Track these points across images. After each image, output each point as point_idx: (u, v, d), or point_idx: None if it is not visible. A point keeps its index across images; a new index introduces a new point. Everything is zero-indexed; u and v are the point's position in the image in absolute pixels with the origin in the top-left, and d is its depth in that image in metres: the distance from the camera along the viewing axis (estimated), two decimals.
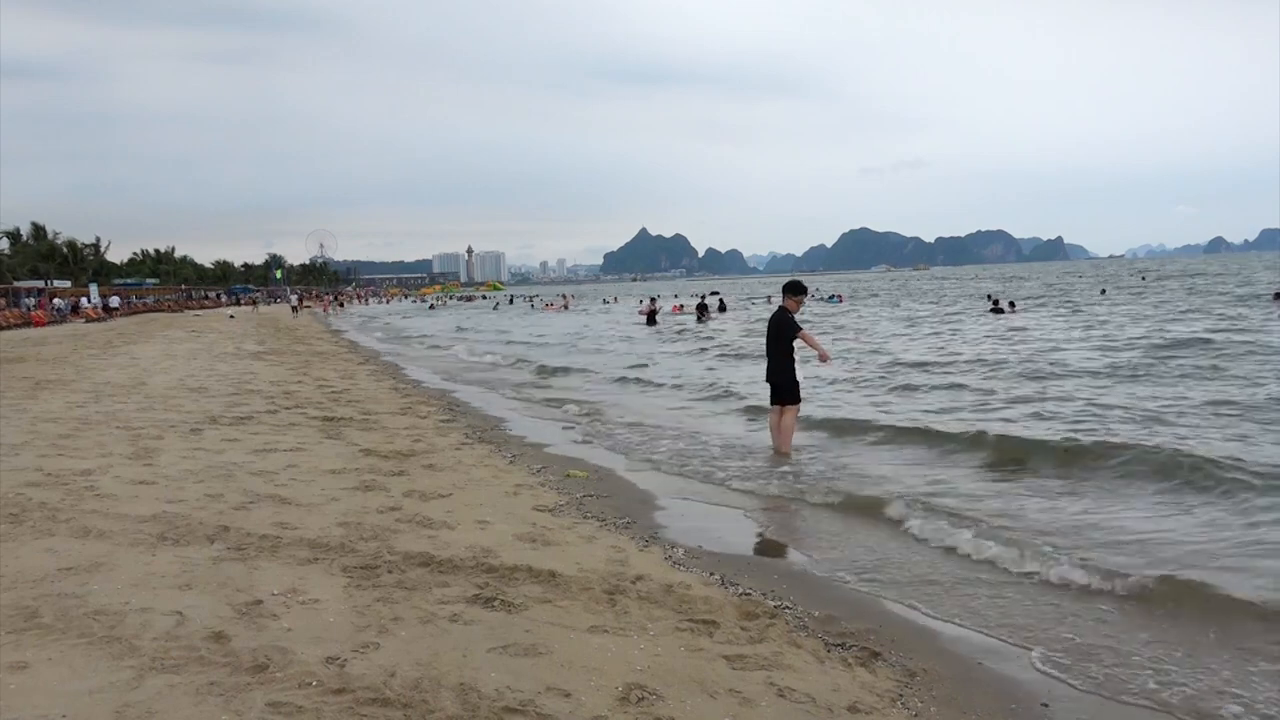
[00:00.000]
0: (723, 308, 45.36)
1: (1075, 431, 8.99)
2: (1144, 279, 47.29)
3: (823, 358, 8.92)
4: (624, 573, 4.95)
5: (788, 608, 4.61)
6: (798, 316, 9.10)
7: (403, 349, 26.69)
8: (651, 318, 35.54)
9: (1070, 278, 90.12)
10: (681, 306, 46.21)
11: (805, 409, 9.36)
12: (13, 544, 5.08)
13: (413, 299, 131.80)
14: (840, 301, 50.80)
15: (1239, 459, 7.34)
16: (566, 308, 63.88)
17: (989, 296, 45.47)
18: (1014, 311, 32.98)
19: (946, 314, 35.24)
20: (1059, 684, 3.81)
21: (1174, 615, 4.51)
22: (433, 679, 3.40)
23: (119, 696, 3.20)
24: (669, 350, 22.68)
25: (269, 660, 3.52)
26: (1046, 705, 3.60)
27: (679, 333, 29.52)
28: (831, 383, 14.29)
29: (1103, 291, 49.39)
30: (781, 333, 8.76)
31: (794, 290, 9.10)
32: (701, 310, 38.04)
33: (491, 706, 3.20)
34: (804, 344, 8.77)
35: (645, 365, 18.47)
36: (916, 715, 3.45)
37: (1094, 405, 10.90)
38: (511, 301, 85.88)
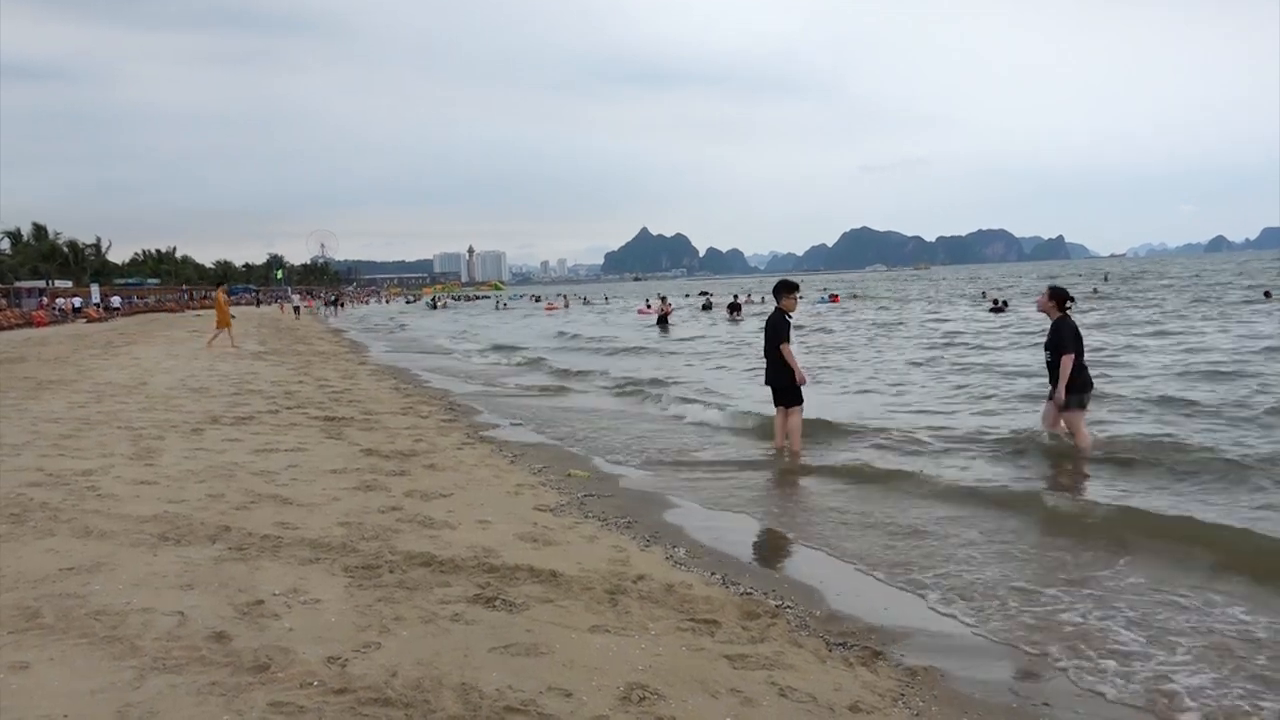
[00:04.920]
0: (708, 307, 45.68)
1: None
2: (1095, 291, 47.39)
3: (799, 380, 8.76)
4: (625, 572, 4.95)
5: (789, 607, 4.61)
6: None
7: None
8: (663, 320, 33.01)
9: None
10: (649, 307, 45.47)
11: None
12: (14, 544, 5.08)
13: (408, 299, 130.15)
14: (835, 301, 50.96)
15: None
16: (567, 307, 63.99)
17: (984, 294, 45.59)
18: (1007, 309, 33.08)
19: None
20: (1061, 684, 3.80)
21: None
22: (434, 679, 3.40)
23: (120, 696, 3.20)
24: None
25: (270, 660, 3.52)
26: (1049, 705, 3.60)
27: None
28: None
29: (1095, 290, 49.51)
30: (777, 335, 8.74)
31: (787, 289, 9.01)
32: (734, 309, 37.78)
33: (493, 706, 3.20)
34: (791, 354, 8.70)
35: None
36: (918, 714, 3.45)
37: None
38: (537, 300, 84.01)
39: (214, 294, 26.71)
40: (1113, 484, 7.17)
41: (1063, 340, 7.75)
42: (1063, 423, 8.14)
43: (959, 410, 11.31)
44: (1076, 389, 7.78)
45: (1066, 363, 7.68)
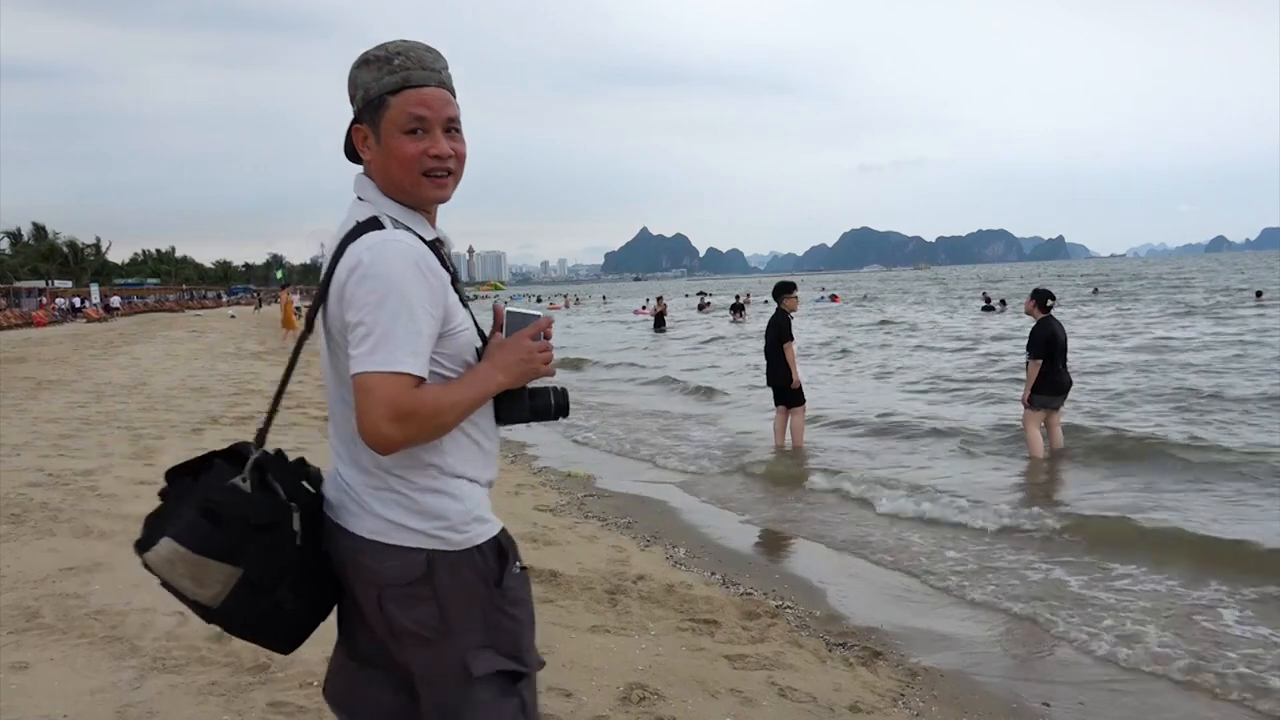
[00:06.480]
0: (704, 307, 45.74)
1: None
2: (1096, 291, 48.06)
3: (795, 383, 8.82)
4: (625, 572, 4.95)
5: (789, 607, 4.61)
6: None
7: None
8: (659, 320, 32.34)
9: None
10: (645, 308, 44.75)
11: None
12: (14, 544, 5.08)
13: None
14: (836, 301, 50.88)
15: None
16: (567, 307, 64.04)
17: (984, 294, 45.46)
18: (1004, 309, 32.87)
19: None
20: (1060, 685, 3.81)
21: None
22: None
23: (120, 696, 3.19)
24: None
25: (270, 660, 3.51)
26: (1048, 705, 3.60)
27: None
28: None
29: (1095, 290, 49.52)
30: (780, 336, 8.79)
31: (787, 290, 9.09)
32: (737, 310, 37.81)
33: None
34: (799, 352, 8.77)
35: None
36: (918, 715, 3.45)
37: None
38: (539, 300, 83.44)
39: (280, 296, 25.77)
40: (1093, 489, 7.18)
41: (1030, 343, 7.96)
42: (1057, 427, 8.26)
43: (953, 408, 11.31)
44: (1045, 391, 7.91)
45: (1031, 367, 7.92)
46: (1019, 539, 5.82)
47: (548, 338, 1.73)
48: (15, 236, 79.42)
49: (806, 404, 9.03)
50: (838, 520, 6.47)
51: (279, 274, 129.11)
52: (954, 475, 7.77)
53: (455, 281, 1.71)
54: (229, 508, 1.60)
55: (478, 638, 1.67)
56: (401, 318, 1.54)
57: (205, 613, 1.65)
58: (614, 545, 5.57)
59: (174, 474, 1.70)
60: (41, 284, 64.18)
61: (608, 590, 4.60)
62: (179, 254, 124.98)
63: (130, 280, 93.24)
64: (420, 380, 1.56)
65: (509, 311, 1.74)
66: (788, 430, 9.01)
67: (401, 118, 1.64)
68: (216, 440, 8.77)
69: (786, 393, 8.86)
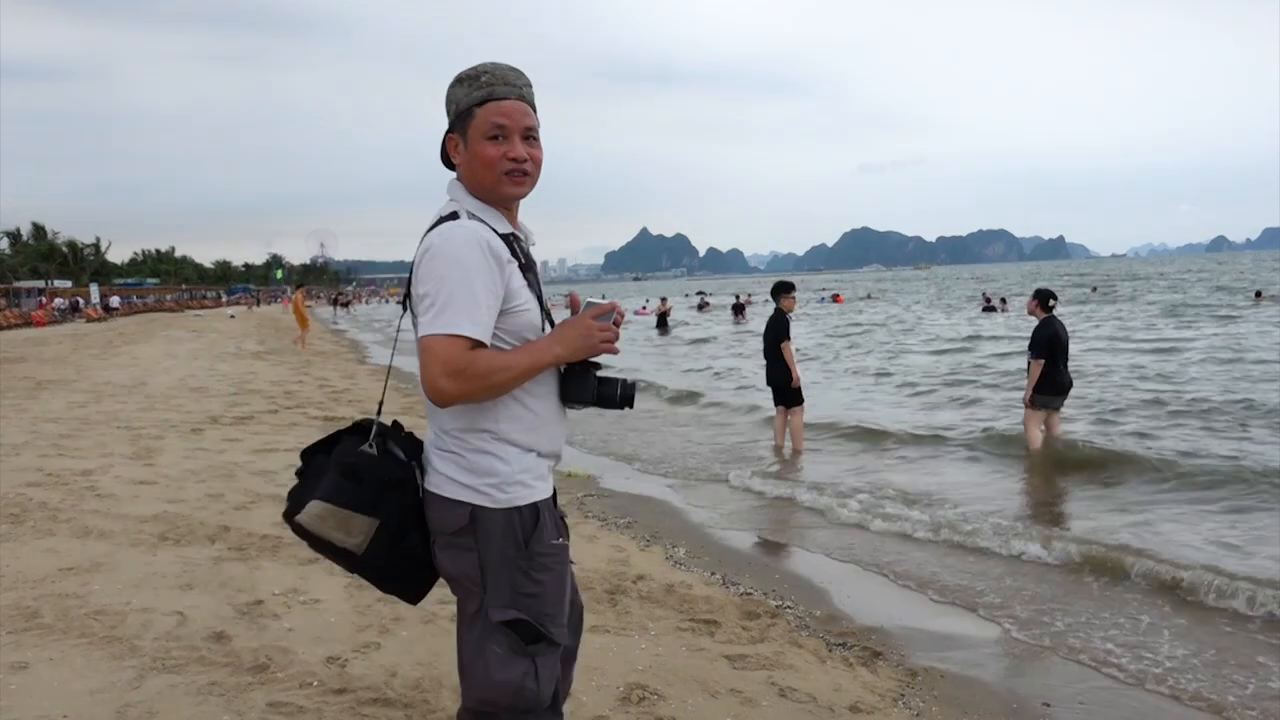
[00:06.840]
0: (704, 307, 45.70)
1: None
2: (1095, 290, 48.47)
3: (794, 382, 8.83)
4: (625, 572, 4.94)
5: (789, 607, 4.61)
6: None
7: None
8: (663, 320, 31.50)
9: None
10: (645, 308, 44.25)
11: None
12: (13, 544, 5.08)
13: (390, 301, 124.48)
14: (839, 302, 50.82)
15: None
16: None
17: (984, 295, 45.43)
18: (1005, 309, 32.72)
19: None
20: (1061, 685, 3.81)
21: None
22: (434, 679, 3.40)
23: (120, 697, 3.19)
24: None
25: (270, 660, 3.52)
26: (1049, 705, 3.60)
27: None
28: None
29: (1093, 289, 49.56)
30: (778, 336, 8.80)
31: (785, 290, 9.10)
32: (738, 310, 37.82)
33: None
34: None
35: None
36: (918, 715, 3.45)
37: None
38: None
39: (293, 295, 25.27)
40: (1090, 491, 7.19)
41: (1033, 343, 8.02)
42: (1057, 426, 8.30)
43: (946, 409, 11.32)
44: (1046, 391, 7.95)
45: (1034, 367, 7.95)
46: (1019, 542, 5.81)
47: (617, 323, 1.93)
48: (15, 236, 79.37)
49: (805, 404, 9.03)
50: (837, 522, 6.47)
51: (278, 274, 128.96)
52: (953, 478, 7.78)
53: (529, 271, 1.93)
54: (365, 469, 1.89)
55: (505, 595, 1.87)
56: (460, 288, 1.75)
57: (351, 561, 1.91)
58: (614, 545, 5.57)
59: (308, 453, 2.02)
60: (41, 284, 64.15)
61: (607, 590, 4.60)
62: (179, 254, 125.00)
63: (130, 280, 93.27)
64: (478, 344, 1.77)
65: (586, 302, 1.94)
66: (787, 431, 9.02)
67: (485, 125, 1.87)
68: (217, 440, 8.78)
69: (786, 393, 8.87)
